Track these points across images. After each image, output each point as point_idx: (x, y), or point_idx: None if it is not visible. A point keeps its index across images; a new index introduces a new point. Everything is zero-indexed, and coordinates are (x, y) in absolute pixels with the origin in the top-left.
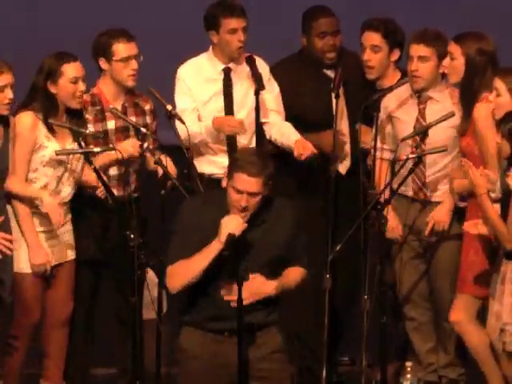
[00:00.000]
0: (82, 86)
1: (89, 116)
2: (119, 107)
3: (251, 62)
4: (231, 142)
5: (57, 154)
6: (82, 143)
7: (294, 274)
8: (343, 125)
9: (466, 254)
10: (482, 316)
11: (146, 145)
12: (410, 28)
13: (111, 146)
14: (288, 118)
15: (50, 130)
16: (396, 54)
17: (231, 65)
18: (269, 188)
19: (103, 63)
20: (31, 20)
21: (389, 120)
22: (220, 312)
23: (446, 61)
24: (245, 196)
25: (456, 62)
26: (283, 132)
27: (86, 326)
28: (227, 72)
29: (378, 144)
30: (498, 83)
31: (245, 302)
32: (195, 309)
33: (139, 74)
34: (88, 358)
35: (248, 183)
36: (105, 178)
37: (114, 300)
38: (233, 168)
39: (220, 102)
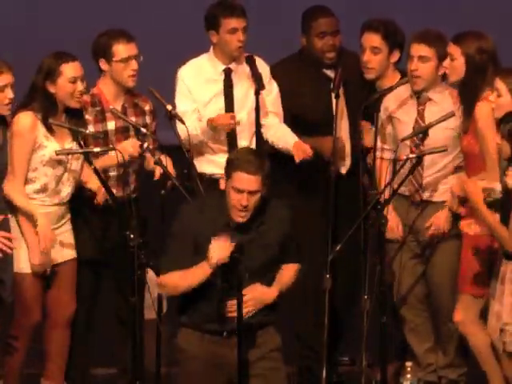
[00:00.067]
0: (80, 86)
1: (89, 117)
2: (119, 108)
3: (251, 62)
4: (231, 142)
5: (57, 154)
6: (82, 143)
7: (289, 273)
8: (343, 125)
9: (465, 254)
10: (484, 316)
11: (145, 145)
12: (410, 28)
13: (111, 146)
14: (288, 118)
15: (49, 129)
16: (396, 56)
17: (232, 65)
18: (267, 187)
19: (103, 64)
20: (31, 20)
21: (389, 120)
22: (217, 313)
23: (447, 62)
24: (245, 195)
25: (456, 62)
26: (279, 135)
27: (86, 326)
28: (228, 72)
29: (379, 144)
30: (499, 84)
31: (248, 312)
32: (193, 310)
33: (139, 74)
34: (88, 358)
35: (248, 181)
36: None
37: (114, 300)
38: (231, 168)
39: (221, 103)
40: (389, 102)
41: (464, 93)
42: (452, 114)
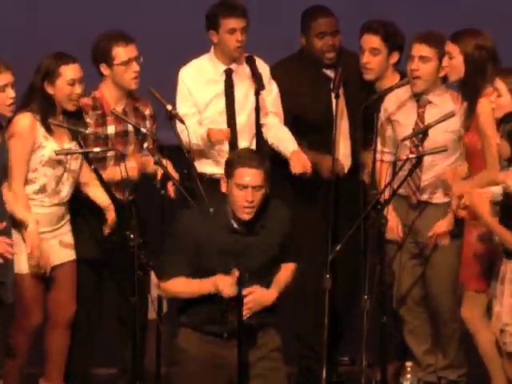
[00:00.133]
0: (78, 89)
1: (90, 120)
2: (120, 111)
3: (251, 62)
4: (232, 143)
5: (56, 154)
6: (82, 143)
7: (286, 273)
8: (343, 125)
9: (466, 251)
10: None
11: (145, 145)
12: (409, 29)
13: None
14: (288, 119)
15: (48, 130)
16: (395, 57)
17: (232, 66)
18: (268, 185)
19: (105, 69)
20: (31, 20)
21: (389, 122)
22: (217, 315)
23: (445, 60)
24: (249, 190)
25: (455, 60)
26: (279, 138)
27: (86, 327)
28: (229, 73)
29: (379, 147)
30: (499, 84)
31: (247, 314)
32: (193, 311)
33: (140, 74)
34: (89, 358)
35: (251, 175)
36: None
37: (114, 300)
38: (232, 167)
39: (221, 104)
40: (388, 104)
41: (465, 91)
42: (452, 114)
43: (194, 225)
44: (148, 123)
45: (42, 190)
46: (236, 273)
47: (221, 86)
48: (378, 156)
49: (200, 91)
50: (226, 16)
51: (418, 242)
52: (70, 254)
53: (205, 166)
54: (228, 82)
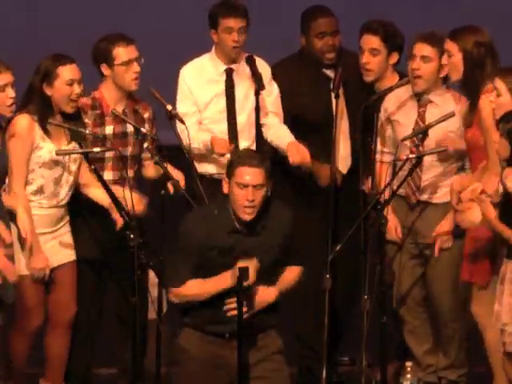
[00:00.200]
0: (77, 89)
1: (88, 120)
2: (120, 112)
3: (251, 62)
4: (232, 143)
5: (57, 154)
6: (81, 144)
7: (291, 275)
8: (343, 125)
9: (468, 247)
10: None
11: (145, 145)
12: (409, 29)
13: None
14: (288, 119)
15: (45, 131)
16: (394, 58)
17: (233, 65)
18: (270, 185)
19: (105, 69)
20: (31, 20)
21: (388, 122)
22: (220, 315)
23: (444, 58)
24: (250, 189)
25: (454, 58)
26: (278, 135)
27: (87, 327)
28: (229, 73)
29: (379, 147)
30: (498, 83)
31: (248, 314)
32: (195, 311)
33: (140, 75)
34: (89, 358)
35: (251, 174)
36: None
37: (114, 300)
38: (232, 167)
39: (222, 103)
40: (388, 103)
41: (466, 88)
42: (452, 114)
43: (196, 227)
44: (147, 126)
45: (40, 191)
46: (255, 262)
47: (221, 86)
48: (378, 157)
49: (200, 90)
50: (224, 15)
51: (419, 242)
52: (69, 255)
53: (205, 166)
54: (228, 81)
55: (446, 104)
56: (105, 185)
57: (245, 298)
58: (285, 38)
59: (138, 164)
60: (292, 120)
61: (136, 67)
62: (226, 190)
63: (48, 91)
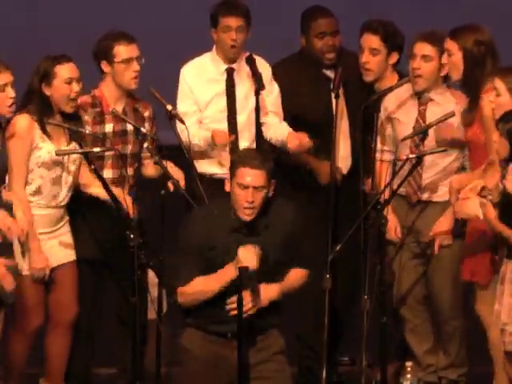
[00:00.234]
0: (76, 87)
1: (88, 118)
2: (120, 111)
3: (251, 62)
4: (233, 142)
5: (56, 154)
6: (82, 144)
7: (295, 276)
8: (343, 125)
9: (468, 240)
10: None
11: (145, 145)
12: (409, 28)
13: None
14: (288, 118)
15: (45, 131)
16: (394, 57)
17: (234, 65)
18: (271, 186)
19: (105, 66)
20: (31, 20)
21: (388, 121)
22: (222, 315)
23: (444, 57)
24: (250, 190)
25: (454, 57)
26: (279, 132)
27: (87, 327)
28: (230, 72)
29: (378, 145)
30: (498, 83)
31: (250, 312)
32: (198, 311)
33: (140, 74)
34: (89, 358)
35: (252, 176)
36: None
37: (114, 300)
38: (235, 166)
39: (222, 103)
40: (389, 102)
41: (466, 87)
42: (452, 114)
43: (197, 227)
44: (147, 125)
45: (38, 191)
46: (254, 248)
47: (222, 85)
48: (378, 156)
49: (201, 90)
50: (223, 14)
51: (420, 241)
52: (70, 255)
53: (205, 166)
54: (229, 81)
55: (446, 102)
56: (105, 185)
57: (246, 296)
58: (285, 38)
59: (138, 162)
60: (292, 120)
61: (136, 66)
62: (227, 188)
63: (47, 91)
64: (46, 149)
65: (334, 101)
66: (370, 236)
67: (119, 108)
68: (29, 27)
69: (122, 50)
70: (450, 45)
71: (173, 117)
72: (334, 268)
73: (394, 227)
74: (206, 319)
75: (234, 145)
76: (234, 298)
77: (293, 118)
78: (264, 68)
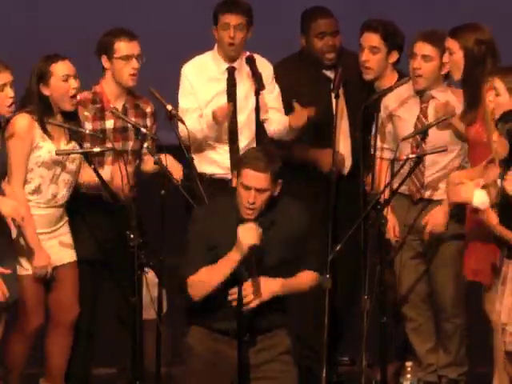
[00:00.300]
0: (74, 84)
1: (88, 113)
2: (120, 107)
3: (251, 62)
4: (232, 142)
5: (57, 154)
6: (82, 144)
7: (303, 277)
8: (343, 125)
9: (471, 245)
10: None
11: (145, 145)
12: (409, 28)
13: (110, 145)
14: None
15: (45, 131)
16: (394, 56)
17: (235, 64)
18: (277, 186)
19: (105, 61)
20: (31, 20)
21: (389, 119)
22: (226, 312)
23: (445, 57)
24: (252, 192)
25: (455, 56)
26: (282, 121)
27: (86, 327)
28: (231, 71)
29: (378, 144)
30: (497, 83)
31: (252, 305)
32: (203, 309)
33: (140, 74)
34: (88, 358)
35: (255, 178)
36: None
37: (114, 300)
38: (240, 165)
39: (223, 102)
40: (389, 101)
41: (466, 86)
42: (452, 115)
43: (205, 222)
44: (149, 121)
45: (37, 190)
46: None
47: (223, 85)
48: (378, 153)
49: (202, 88)
50: (223, 11)
51: (423, 239)
52: (70, 255)
53: (205, 166)
54: (230, 80)
55: (448, 100)
56: (105, 184)
57: (248, 287)
58: (285, 38)
59: (139, 159)
60: None
61: (135, 64)
62: (234, 183)
63: (45, 91)
64: (47, 148)
65: (334, 101)
66: (370, 236)
67: (119, 104)
68: (29, 27)
69: (123, 46)
70: (451, 44)
71: (173, 117)
72: (334, 268)
73: (392, 227)
74: (210, 316)
75: (234, 145)
76: (236, 289)
77: None
78: (265, 67)
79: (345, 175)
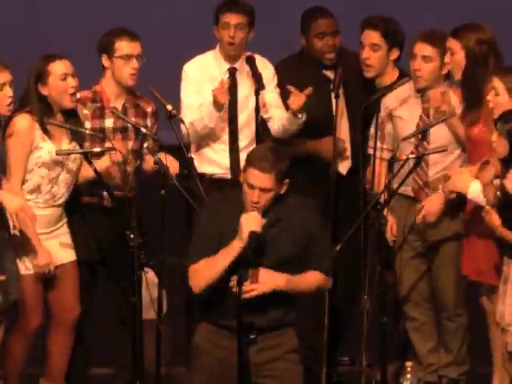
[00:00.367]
0: (72, 82)
1: (87, 112)
2: (120, 107)
3: (251, 62)
4: (232, 142)
5: (57, 154)
6: (82, 144)
7: (310, 277)
8: (343, 125)
9: (472, 245)
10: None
11: (145, 145)
12: (409, 28)
13: (109, 145)
14: None
15: (45, 131)
16: (395, 53)
17: (237, 64)
18: (283, 185)
19: (105, 60)
20: (31, 20)
21: (389, 119)
22: (231, 308)
23: (447, 57)
24: (256, 191)
25: (457, 56)
26: (284, 116)
27: (84, 327)
28: (233, 72)
29: (378, 144)
30: (497, 82)
31: (253, 293)
32: (210, 306)
33: (140, 74)
34: (87, 358)
35: (259, 179)
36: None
37: (114, 300)
38: (247, 163)
39: None
40: (389, 101)
41: (467, 85)
42: (452, 115)
43: (215, 212)
44: (149, 121)
45: (37, 190)
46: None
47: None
48: (378, 153)
49: (203, 88)
50: (223, 11)
51: (426, 240)
52: (70, 255)
53: (205, 166)
54: (232, 81)
55: (450, 99)
56: (105, 184)
57: (249, 276)
58: (285, 38)
59: (139, 159)
60: None
61: (135, 63)
62: (241, 178)
63: (44, 91)
64: (47, 148)
65: (334, 101)
66: (370, 236)
67: (119, 104)
68: (29, 27)
69: (124, 46)
70: (453, 44)
71: (172, 117)
72: (334, 268)
73: (389, 227)
74: (218, 313)
75: (234, 145)
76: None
77: None
78: (265, 67)
79: (344, 175)
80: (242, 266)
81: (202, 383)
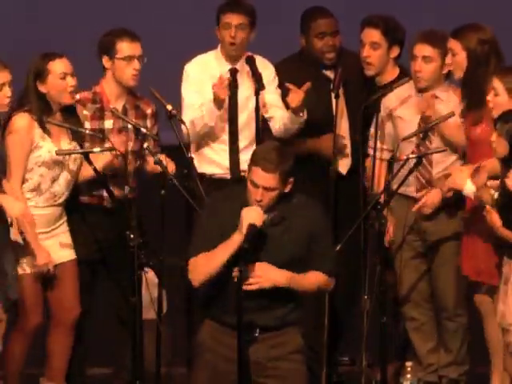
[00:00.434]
0: (72, 81)
1: (87, 112)
2: (120, 108)
3: (251, 62)
4: (232, 142)
5: (57, 154)
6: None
7: (312, 276)
8: (343, 125)
9: (471, 246)
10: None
11: (146, 145)
12: (409, 28)
13: (109, 145)
14: None
15: (45, 130)
16: (395, 51)
17: (238, 65)
18: (287, 184)
19: (106, 61)
20: (31, 20)
21: (389, 119)
22: (233, 304)
23: (448, 58)
24: (260, 190)
25: (458, 57)
26: (285, 115)
27: (83, 326)
28: (234, 73)
29: (378, 144)
30: (496, 83)
31: (252, 287)
32: (213, 303)
33: (140, 74)
34: (85, 357)
35: (263, 178)
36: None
37: (114, 300)
38: (251, 161)
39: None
40: (390, 102)
41: (468, 86)
42: (452, 114)
43: (218, 207)
44: (149, 122)
45: (37, 189)
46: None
47: None
48: (378, 154)
49: (204, 88)
50: (224, 11)
51: (426, 240)
52: (69, 254)
53: (204, 167)
54: (233, 81)
55: (451, 99)
56: (105, 185)
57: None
58: (285, 38)
59: (140, 159)
60: None
61: (136, 64)
62: (246, 174)
63: (43, 89)
64: (47, 148)
65: (334, 101)
66: (370, 236)
67: (119, 105)
68: (29, 27)
69: (125, 47)
70: (454, 44)
71: (172, 117)
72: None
73: (387, 228)
74: (220, 310)
75: (234, 145)
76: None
77: None
78: (265, 67)
79: (344, 174)
80: (241, 260)
81: (204, 380)
